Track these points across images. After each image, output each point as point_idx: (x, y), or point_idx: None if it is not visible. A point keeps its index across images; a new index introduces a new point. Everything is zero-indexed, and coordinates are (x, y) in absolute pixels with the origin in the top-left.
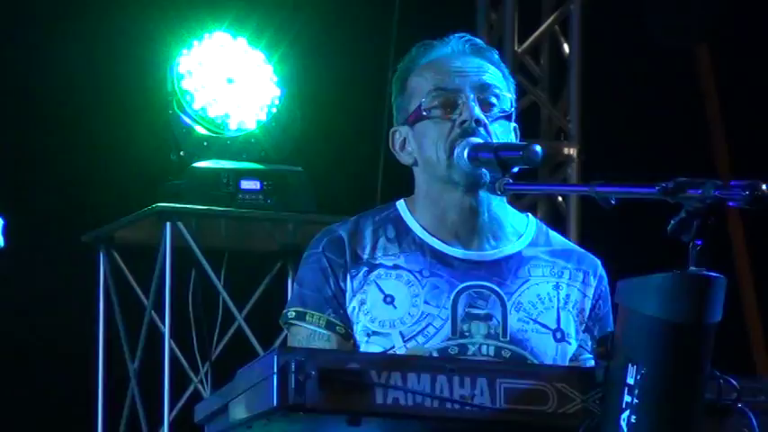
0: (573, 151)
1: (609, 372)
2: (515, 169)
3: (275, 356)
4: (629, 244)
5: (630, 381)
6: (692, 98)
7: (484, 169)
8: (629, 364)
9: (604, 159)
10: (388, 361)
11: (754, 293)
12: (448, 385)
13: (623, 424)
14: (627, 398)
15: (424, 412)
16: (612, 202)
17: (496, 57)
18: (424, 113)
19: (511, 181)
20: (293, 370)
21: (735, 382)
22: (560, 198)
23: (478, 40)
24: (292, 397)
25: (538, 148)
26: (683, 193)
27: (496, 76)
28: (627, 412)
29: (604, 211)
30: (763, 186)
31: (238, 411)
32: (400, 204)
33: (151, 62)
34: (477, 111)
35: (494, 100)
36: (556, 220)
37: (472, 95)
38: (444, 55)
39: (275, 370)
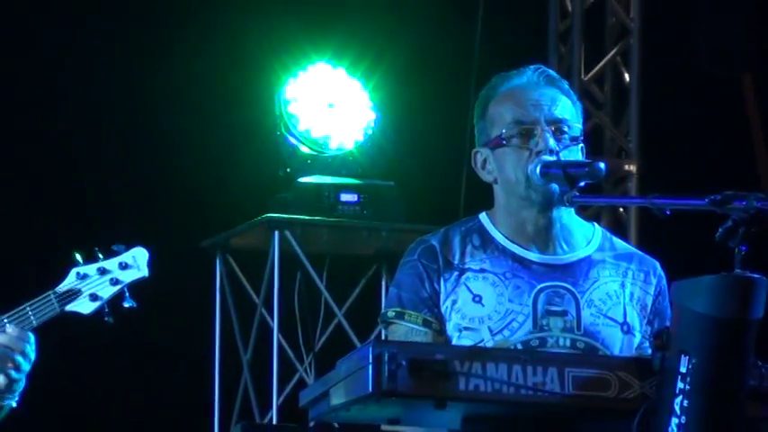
0: (632, 167)
1: (664, 361)
2: (582, 183)
3: (371, 348)
4: (683, 249)
5: (683, 369)
6: (738, 121)
7: (554, 185)
8: (682, 355)
9: (660, 175)
10: (469, 352)
11: None
12: (522, 374)
13: (677, 407)
14: (680, 384)
15: (500, 397)
16: (667, 212)
17: (566, 86)
18: (504, 142)
19: (578, 194)
20: (386, 360)
21: None
22: (621, 209)
23: (551, 71)
24: (385, 384)
25: (601, 164)
26: (730, 205)
27: (567, 107)
28: (680, 397)
29: (660, 220)
30: None
31: (338, 397)
32: (483, 216)
33: (261, 89)
34: (552, 142)
35: (565, 128)
36: (617, 228)
37: (547, 127)
38: (521, 85)
39: (371, 360)
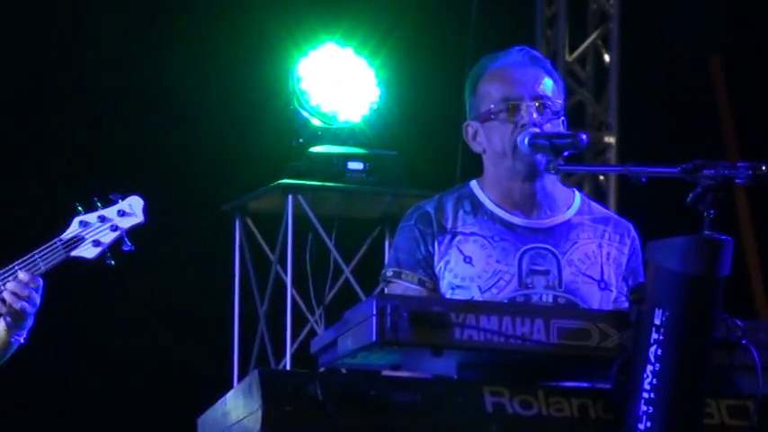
0: (612, 140)
1: (640, 315)
2: (566, 153)
3: (375, 301)
4: (656, 213)
5: (657, 322)
6: (706, 97)
7: (540, 156)
8: (657, 309)
9: (637, 146)
10: (464, 305)
11: (756, 254)
12: (512, 325)
13: (651, 356)
14: (654, 335)
15: (492, 346)
16: (643, 179)
17: (548, 65)
18: (493, 116)
19: (562, 162)
20: (389, 312)
21: (740, 323)
22: (601, 177)
23: (534, 51)
24: (388, 333)
25: (583, 136)
26: (700, 173)
27: (549, 84)
28: (654, 347)
29: (637, 186)
30: (764, 167)
31: (345, 345)
32: (473, 184)
33: (276, 67)
34: (536, 116)
35: (548, 104)
36: (598, 194)
37: (531, 103)
38: (507, 64)
39: (375, 312)
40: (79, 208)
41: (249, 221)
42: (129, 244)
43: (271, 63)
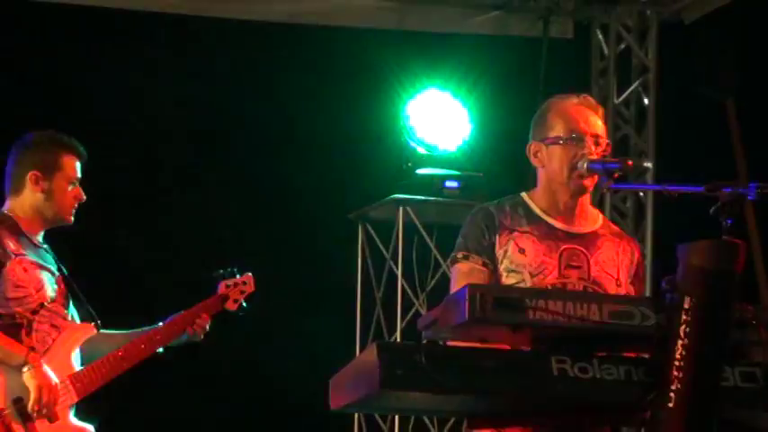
0: (649, 164)
1: (673, 300)
2: (615, 175)
3: (467, 289)
4: (687, 221)
5: (686, 306)
6: (724, 133)
7: (588, 180)
8: (686, 296)
9: (669, 171)
10: (536, 292)
11: (761, 256)
12: (573, 307)
13: (681, 333)
14: (684, 317)
15: (557, 324)
16: (675, 196)
17: (601, 112)
18: (561, 142)
19: (613, 182)
20: (478, 298)
21: (751, 308)
22: (641, 193)
23: (591, 99)
24: (477, 313)
25: (630, 162)
26: (720, 191)
27: (601, 126)
28: (684, 326)
29: (670, 200)
30: None
31: (444, 323)
32: (524, 195)
33: (391, 107)
34: (593, 148)
35: (600, 140)
36: (638, 206)
37: (590, 138)
38: (574, 104)
39: (467, 298)
40: (221, 274)
41: (369, 227)
42: (245, 307)
43: (387, 105)
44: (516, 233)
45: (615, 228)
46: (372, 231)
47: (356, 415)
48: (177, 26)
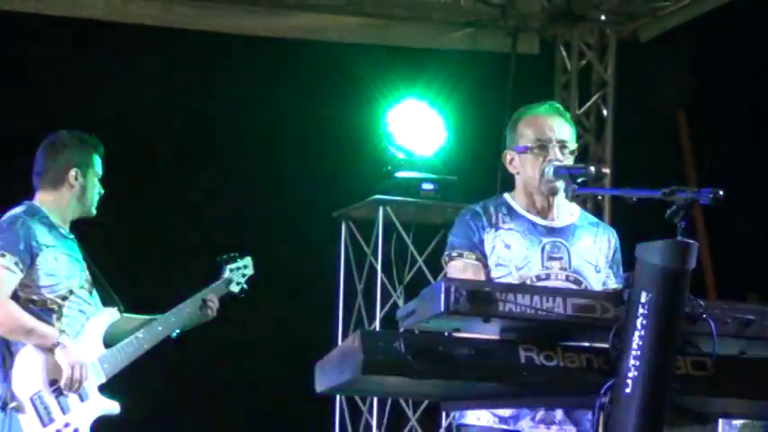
0: (607, 170)
1: (631, 295)
2: (579, 180)
3: (442, 283)
4: (642, 222)
5: (643, 300)
6: (674, 142)
7: (559, 181)
8: (642, 291)
9: (626, 177)
10: (506, 287)
11: (709, 255)
12: (540, 301)
13: (638, 325)
14: (641, 310)
15: (525, 316)
16: (634, 199)
17: (568, 116)
18: (528, 151)
19: (577, 187)
20: (453, 291)
21: (701, 302)
22: (600, 196)
23: (559, 105)
24: (452, 305)
25: (592, 168)
26: (675, 195)
27: (568, 131)
28: (640, 318)
29: (628, 203)
30: (720, 192)
31: (421, 313)
32: (506, 195)
33: (372, 115)
34: (559, 154)
35: (567, 145)
36: (596, 209)
37: (556, 144)
38: (540, 113)
39: (443, 291)
40: (224, 259)
41: (351, 225)
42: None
43: (369, 113)
44: (501, 230)
45: (592, 218)
46: (354, 229)
47: (338, 397)
48: (178, 39)
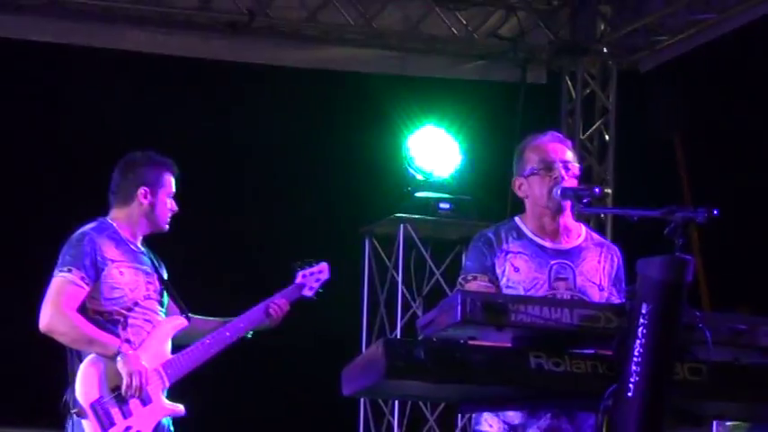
0: (609, 191)
1: (632, 307)
2: (585, 200)
3: (459, 295)
4: (644, 240)
5: (644, 311)
6: (672, 165)
7: (565, 201)
8: (643, 303)
9: (628, 198)
10: (517, 298)
11: (703, 270)
12: (549, 311)
13: (639, 334)
14: (642, 320)
15: (535, 325)
16: (635, 218)
17: (569, 143)
18: (535, 174)
19: (582, 206)
20: (468, 302)
21: (698, 313)
22: (603, 215)
23: (559, 134)
24: (468, 314)
25: (597, 189)
26: (674, 214)
27: (570, 155)
28: (641, 328)
29: (630, 222)
30: (715, 212)
31: (439, 322)
32: (517, 219)
33: (394, 141)
34: (564, 173)
35: (570, 167)
36: (599, 226)
37: (560, 164)
38: (545, 140)
39: (459, 302)
40: (297, 263)
41: (374, 240)
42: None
43: (391, 138)
44: (511, 254)
45: (597, 237)
46: (377, 244)
47: (362, 399)
48: (212, 69)
